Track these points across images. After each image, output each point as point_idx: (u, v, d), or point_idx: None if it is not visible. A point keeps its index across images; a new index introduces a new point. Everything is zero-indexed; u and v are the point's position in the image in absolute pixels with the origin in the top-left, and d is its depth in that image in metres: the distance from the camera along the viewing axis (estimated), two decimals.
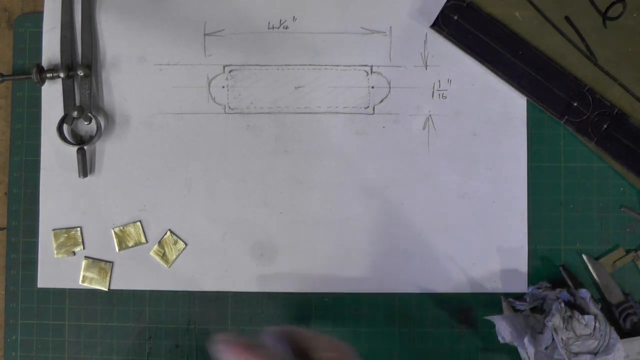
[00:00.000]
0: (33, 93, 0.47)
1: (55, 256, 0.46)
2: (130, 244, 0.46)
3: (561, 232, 0.46)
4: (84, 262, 0.46)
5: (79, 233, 0.46)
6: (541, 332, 0.42)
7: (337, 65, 0.46)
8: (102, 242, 0.46)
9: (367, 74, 0.46)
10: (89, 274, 0.46)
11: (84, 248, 0.46)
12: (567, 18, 0.45)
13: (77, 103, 0.46)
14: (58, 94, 0.46)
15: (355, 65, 0.46)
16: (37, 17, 0.47)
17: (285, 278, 0.46)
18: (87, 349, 0.46)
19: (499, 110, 0.46)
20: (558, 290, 0.44)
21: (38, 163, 0.46)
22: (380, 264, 0.46)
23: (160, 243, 0.46)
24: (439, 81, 0.46)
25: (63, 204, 0.46)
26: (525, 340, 0.42)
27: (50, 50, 0.47)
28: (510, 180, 0.46)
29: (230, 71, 0.47)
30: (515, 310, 0.44)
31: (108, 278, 0.46)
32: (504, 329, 0.42)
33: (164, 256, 0.46)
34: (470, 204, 0.46)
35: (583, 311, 0.42)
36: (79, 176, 0.45)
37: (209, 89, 0.47)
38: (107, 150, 0.46)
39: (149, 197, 0.46)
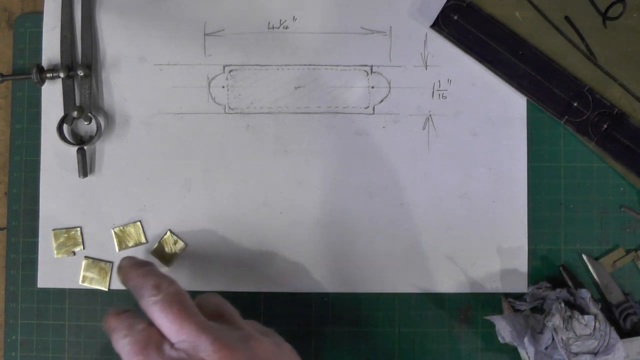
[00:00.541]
0: (33, 93, 0.47)
1: (55, 256, 0.46)
2: (130, 244, 0.46)
3: (561, 232, 0.46)
4: (84, 262, 0.46)
5: (79, 233, 0.46)
6: (541, 332, 0.42)
7: (337, 65, 0.47)
8: (102, 242, 0.46)
9: (367, 74, 0.46)
10: (89, 274, 0.46)
11: (84, 248, 0.46)
12: (567, 18, 0.45)
13: (77, 103, 0.46)
14: (58, 94, 0.46)
15: (355, 65, 0.46)
16: (37, 17, 0.47)
17: (285, 278, 0.46)
18: (87, 349, 0.46)
19: (499, 110, 0.46)
20: (558, 290, 0.44)
21: (38, 163, 0.46)
22: (380, 264, 0.46)
23: (160, 243, 0.46)
24: (439, 81, 0.46)
25: (63, 204, 0.46)
26: (525, 340, 0.42)
27: (50, 50, 0.47)
28: (510, 180, 0.46)
29: (230, 71, 0.47)
30: (515, 310, 0.44)
31: (108, 278, 0.46)
32: (504, 329, 0.42)
33: (164, 256, 0.46)
34: (470, 204, 0.46)
35: (583, 311, 0.42)
36: (79, 176, 0.45)
37: (209, 89, 0.47)
38: (107, 150, 0.46)
39: (149, 197, 0.46)
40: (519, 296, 0.45)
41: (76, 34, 0.46)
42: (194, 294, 0.46)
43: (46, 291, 0.46)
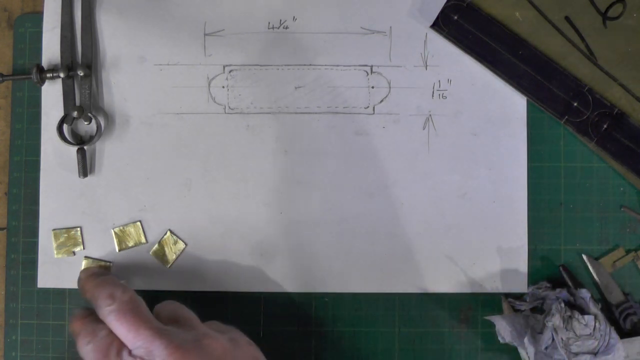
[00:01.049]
0: (33, 93, 0.47)
1: (55, 256, 0.46)
2: (130, 244, 0.46)
3: (561, 232, 0.46)
4: (84, 262, 0.46)
5: (79, 233, 0.46)
6: (541, 332, 0.42)
7: (337, 65, 0.47)
8: (102, 242, 0.46)
9: (367, 74, 0.46)
10: None
11: (84, 248, 0.46)
12: (567, 18, 0.45)
13: (77, 103, 0.46)
14: (58, 94, 0.46)
15: (355, 65, 0.46)
16: (37, 17, 0.47)
17: (285, 278, 0.46)
18: None
19: (499, 110, 0.46)
20: (558, 290, 0.44)
21: (38, 163, 0.46)
22: (380, 264, 0.46)
23: (160, 243, 0.46)
24: (439, 81, 0.46)
25: (63, 204, 0.46)
26: (525, 340, 0.42)
27: (50, 50, 0.47)
28: (510, 180, 0.46)
29: (230, 71, 0.47)
30: (515, 310, 0.44)
31: None
32: (504, 329, 0.42)
33: (164, 256, 0.46)
34: (470, 204, 0.46)
35: (583, 311, 0.42)
36: (79, 176, 0.45)
37: (209, 89, 0.47)
38: (107, 150, 0.46)
39: (149, 197, 0.46)
40: (519, 296, 0.45)
41: (76, 34, 0.46)
42: (194, 294, 0.46)
43: (46, 291, 0.46)
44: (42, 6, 0.47)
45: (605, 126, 0.45)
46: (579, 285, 0.45)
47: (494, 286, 0.46)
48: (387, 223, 0.46)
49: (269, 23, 0.47)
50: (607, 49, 0.45)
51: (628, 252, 0.46)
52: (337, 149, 0.46)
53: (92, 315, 0.39)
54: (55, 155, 0.46)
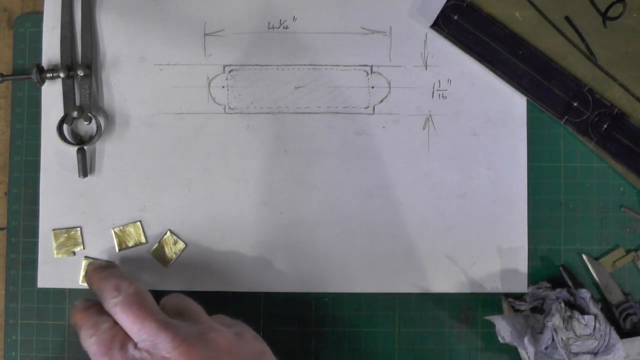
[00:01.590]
0: (33, 93, 0.47)
1: (55, 256, 0.46)
2: (130, 244, 0.46)
3: (561, 232, 0.46)
4: (84, 262, 0.46)
5: (79, 233, 0.46)
6: (541, 332, 0.42)
7: (337, 65, 0.47)
8: (102, 242, 0.46)
9: (367, 74, 0.46)
10: None
11: (84, 248, 0.46)
12: (567, 18, 0.45)
13: (77, 103, 0.46)
14: (58, 94, 0.46)
15: (355, 65, 0.46)
16: (37, 17, 0.47)
17: (285, 278, 0.46)
18: None
19: (499, 110, 0.46)
20: (558, 290, 0.44)
21: (38, 163, 0.46)
22: (380, 264, 0.46)
23: (160, 243, 0.46)
24: (439, 81, 0.46)
25: (63, 204, 0.46)
26: (525, 340, 0.42)
27: (50, 50, 0.47)
28: (510, 180, 0.46)
29: (230, 71, 0.47)
30: (515, 310, 0.44)
31: None
32: (504, 329, 0.42)
33: (164, 256, 0.46)
34: (470, 204, 0.46)
35: (583, 311, 0.42)
36: (79, 176, 0.45)
37: (209, 89, 0.47)
38: (107, 150, 0.46)
39: (149, 197, 0.46)
40: (519, 296, 0.45)
41: (76, 34, 0.46)
42: (194, 294, 0.46)
43: (46, 291, 0.46)
44: (42, 6, 0.47)
45: (605, 126, 0.45)
46: (579, 285, 0.45)
47: (494, 286, 0.46)
48: (387, 223, 0.46)
49: (269, 23, 0.47)
50: (607, 49, 0.45)
51: (628, 252, 0.46)
52: (337, 149, 0.46)
53: (94, 307, 0.38)
54: (55, 155, 0.46)
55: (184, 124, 0.46)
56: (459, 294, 0.46)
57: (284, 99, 0.46)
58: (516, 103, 0.46)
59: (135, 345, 0.36)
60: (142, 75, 0.47)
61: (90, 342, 0.36)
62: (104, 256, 0.46)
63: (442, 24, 0.46)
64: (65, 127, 0.46)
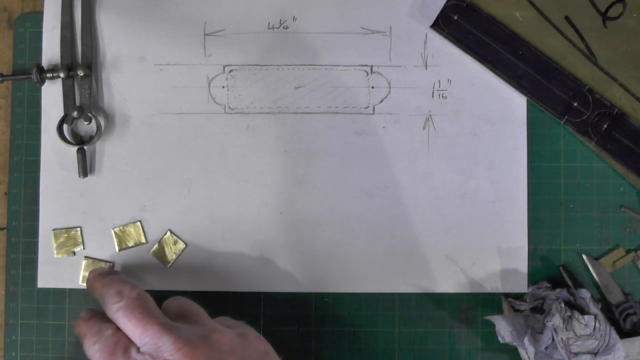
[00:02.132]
0: (33, 93, 0.47)
1: (55, 256, 0.46)
2: (130, 244, 0.46)
3: (561, 232, 0.46)
4: (84, 262, 0.46)
5: (79, 233, 0.46)
6: (541, 332, 0.42)
7: (337, 65, 0.47)
8: (102, 242, 0.46)
9: (367, 74, 0.46)
10: None
11: (84, 248, 0.46)
12: (567, 18, 0.45)
13: (77, 103, 0.46)
14: (58, 94, 0.46)
15: (355, 65, 0.46)
16: (37, 17, 0.47)
17: (285, 278, 0.46)
18: None
19: (499, 110, 0.46)
20: (558, 290, 0.44)
21: (38, 163, 0.46)
22: (380, 264, 0.46)
23: (160, 243, 0.46)
24: (439, 81, 0.46)
25: (63, 204, 0.46)
26: (525, 340, 0.42)
27: (50, 50, 0.47)
28: (510, 180, 0.46)
29: (230, 71, 0.47)
30: (515, 310, 0.44)
31: None
32: (504, 329, 0.42)
33: (164, 256, 0.46)
34: (470, 204, 0.46)
35: (583, 311, 0.42)
36: (79, 176, 0.45)
37: (209, 89, 0.47)
38: (107, 150, 0.46)
39: (149, 197, 0.46)
40: (519, 296, 0.45)
41: (76, 34, 0.46)
42: (194, 294, 0.46)
43: (46, 291, 0.46)
44: (42, 6, 0.47)
45: (605, 126, 0.45)
46: (579, 285, 0.45)
47: (494, 286, 0.46)
48: (387, 223, 0.46)
49: (269, 23, 0.47)
50: (607, 49, 0.45)
51: (628, 252, 0.46)
52: (337, 149, 0.46)
53: (97, 316, 0.39)
54: (55, 155, 0.46)
55: (184, 124, 0.46)
56: (459, 294, 0.46)
57: (284, 99, 0.46)
58: (516, 103, 0.46)
59: (138, 349, 0.36)
60: (142, 75, 0.47)
61: (94, 349, 0.36)
62: (104, 256, 0.46)
63: (442, 24, 0.46)
64: (65, 127, 0.46)
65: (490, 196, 0.46)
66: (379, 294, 0.46)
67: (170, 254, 0.46)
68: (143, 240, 0.46)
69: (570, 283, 0.45)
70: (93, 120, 0.45)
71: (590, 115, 0.45)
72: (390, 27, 0.47)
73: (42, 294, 0.46)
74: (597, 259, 0.46)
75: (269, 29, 0.47)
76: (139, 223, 0.46)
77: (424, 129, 0.46)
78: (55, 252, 0.46)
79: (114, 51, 0.47)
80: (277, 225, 0.46)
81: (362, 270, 0.46)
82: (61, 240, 0.46)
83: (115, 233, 0.46)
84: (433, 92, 0.46)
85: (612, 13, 0.45)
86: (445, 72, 0.46)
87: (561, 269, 0.46)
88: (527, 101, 0.46)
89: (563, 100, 0.45)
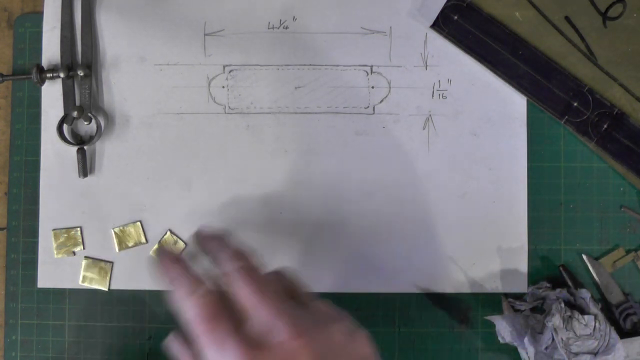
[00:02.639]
0: (33, 93, 0.47)
1: (55, 256, 0.46)
2: (130, 244, 0.46)
3: (561, 232, 0.46)
4: (84, 262, 0.46)
5: (79, 233, 0.46)
6: (541, 332, 0.42)
7: (337, 65, 0.47)
8: (102, 242, 0.46)
9: (367, 74, 0.46)
10: (89, 274, 0.46)
11: (84, 248, 0.46)
12: (567, 18, 0.45)
13: (77, 103, 0.46)
14: (58, 94, 0.46)
15: (355, 65, 0.46)
16: (37, 17, 0.47)
17: None
18: (87, 349, 0.46)
19: (499, 110, 0.46)
20: (558, 290, 0.44)
21: (38, 163, 0.46)
22: (380, 264, 0.46)
23: (160, 243, 0.46)
24: (439, 81, 0.46)
25: (63, 204, 0.46)
26: (525, 340, 0.42)
27: (50, 50, 0.47)
28: (510, 180, 0.46)
29: (230, 71, 0.47)
30: (515, 310, 0.44)
31: (108, 278, 0.46)
32: (504, 329, 0.42)
33: None
34: (470, 204, 0.46)
35: (583, 311, 0.42)
36: (79, 176, 0.45)
37: (209, 89, 0.47)
38: (107, 150, 0.46)
39: (149, 197, 0.46)
40: (519, 296, 0.45)
41: (76, 34, 0.46)
42: None
43: (46, 291, 0.46)
44: (42, 6, 0.47)
45: (605, 126, 0.45)
46: (579, 285, 0.45)
47: (494, 286, 0.45)
48: (387, 223, 0.46)
49: (269, 23, 0.47)
50: (607, 49, 0.45)
51: (628, 252, 0.46)
52: (337, 149, 0.46)
53: (187, 262, 0.33)
54: (55, 155, 0.46)
55: (184, 124, 0.46)
56: (459, 294, 0.46)
57: (284, 99, 0.46)
58: (516, 103, 0.46)
59: (245, 321, 0.30)
60: (142, 75, 0.47)
61: (192, 301, 0.31)
62: (104, 256, 0.46)
63: (442, 24, 0.46)
64: (65, 127, 0.46)
65: (490, 196, 0.46)
66: (379, 294, 0.46)
67: None
68: (143, 240, 0.46)
69: (570, 283, 0.45)
70: (93, 120, 0.45)
71: (590, 115, 0.45)
72: (390, 27, 0.47)
73: (42, 294, 0.46)
74: (597, 259, 0.46)
75: (269, 29, 0.47)
76: (139, 223, 0.46)
77: (424, 129, 0.46)
78: (55, 252, 0.46)
79: (114, 51, 0.47)
80: (277, 225, 0.46)
81: (362, 270, 0.46)
82: (61, 240, 0.46)
83: (115, 233, 0.46)
84: (433, 92, 0.46)
85: (612, 13, 0.45)
86: (445, 72, 0.46)
87: (561, 269, 0.46)
88: (527, 101, 0.46)
89: (563, 100, 0.45)
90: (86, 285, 0.46)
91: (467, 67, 0.46)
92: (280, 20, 0.47)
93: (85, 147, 0.46)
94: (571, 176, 0.46)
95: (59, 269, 0.46)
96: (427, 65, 0.46)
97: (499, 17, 0.46)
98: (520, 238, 0.46)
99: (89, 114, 0.45)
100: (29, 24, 0.47)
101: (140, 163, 0.46)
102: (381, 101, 0.46)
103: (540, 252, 0.46)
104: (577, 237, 0.46)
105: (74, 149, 0.45)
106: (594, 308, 0.42)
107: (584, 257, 0.46)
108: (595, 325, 0.41)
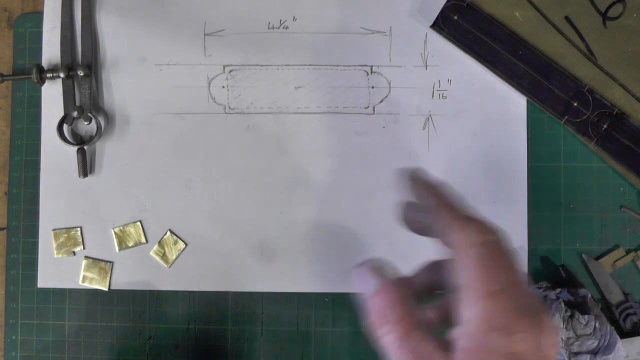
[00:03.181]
0: (33, 93, 0.47)
1: (55, 256, 0.46)
2: (130, 244, 0.46)
3: (561, 232, 0.46)
4: (84, 262, 0.46)
5: (79, 233, 0.46)
6: None
7: (337, 65, 0.46)
8: (102, 242, 0.46)
9: (367, 74, 0.46)
10: (89, 274, 0.46)
11: (84, 248, 0.46)
12: (567, 18, 0.45)
13: (77, 103, 0.46)
14: (58, 94, 0.46)
15: (355, 65, 0.46)
16: (37, 17, 0.47)
17: (285, 278, 0.46)
18: (87, 349, 0.46)
19: (499, 110, 0.46)
20: (558, 290, 0.44)
21: (38, 163, 0.46)
22: None
23: (160, 243, 0.46)
24: (439, 81, 0.46)
25: (63, 204, 0.46)
26: None
27: (50, 50, 0.47)
28: (510, 180, 0.46)
29: (230, 71, 0.47)
30: None
31: (108, 278, 0.46)
32: None
33: (164, 256, 0.46)
34: (470, 204, 0.46)
35: (583, 311, 0.42)
36: (79, 176, 0.45)
37: (209, 89, 0.47)
38: (107, 150, 0.46)
39: (149, 197, 0.46)
40: None
41: (76, 34, 0.46)
42: (194, 294, 0.46)
43: (46, 291, 0.46)
44: (42, 6, 0.47)
45: (605, 126, 0.45)
46: (579, 285, 0.45)
47: None
48: (387, 223, 0.46)
49: (269, 23, 0.47)
50: (607, 49, 0.45)
51: (628, 252, 0.46)
52: (337, 149, 0.46)
53: (396, 290, 0.26)
54: (55, 155, 0.46)
55: (184, 124, 0.46)
56: None
57: (284, 99, 0.46)
58: (516, 103, 0.46)
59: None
60: (142, 75, 0.47)
61: (390, 339, 0.25)
62: (104, 256, 0.46)
63: (442, 24, 0.46)
64: (65, 127, 0.46)
65: (490, 196, 0.46)
66: None
67: (170, 254, 0.46)
68: (143, 240, 0.46)
69: (570, 283, 0.45)
70: (93, 120, 0.45)
71: (590, 115, 0.45)
72: (390, 27, 0.47)
73: (42, 294, 0.46)
74: (597, 259, 0.46)
75: (269, 29, 0.47)
76: (139, 223, 0.46)
77: (424, 129, 0.46)
78: (55, 252, 0.46)
79: (114, 51, 0.47)
80: (277, 225, 0.46)
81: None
82: (61, 240, 0.46)
83: (115, 233, 0.46)
84: (433, 92, 0.46)
85: (612, 13, 0.45)
86: (445, 72, 0.46)
87: (561, 269, 0.46)
88: (527, 101, 0.46)
89: (563, 100, 0.45)
90: (86, 285, 0.46)
91: (467, 67, 0.46)
92: (280, 20, 0.47)
93: (85, 147, 0.46)
94: (571, 176, 0.46)
95: (59, 269, 0.46)
96: (427, 65, 0.46)
97: (499, 17, 0.46)
98: (520, 238, 0.46)
99: (89, 114, 0.45)
100: (29, 24, 0.47)
101: (140, 163, 0.46)
102: (381, 101, 0.46)
103: (540, 252, 0.46)
104: (577, 237, 0.46)
105: (74, 149, 0.45)
106: (594, 308, 0.42)
107: (584, 257, 0.46)
108: (595, 325, 0.41)
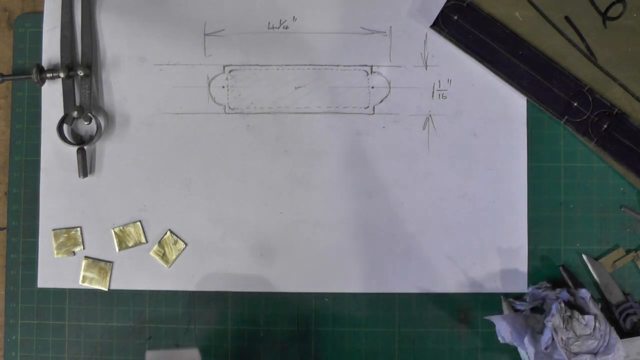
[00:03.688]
0: (33, 93, 0.47)
1: (55, 256, 0.46)
2: (130, 244, 0.46)
3: (561, 232, 0.46)
4: (84, 262, 0.46)
5: (79, 233, 0.46)
6: (541, 332, 0.42)
7: (337, 65, 0.46)
8: (102, 242, 0.46)
9: (367, 74, 0.46)
10: (89, 274, 0.46)
11: (84, 248, 0.46)
12: (567, 18, 0.45)
13: (77, 103, 0.46)
14: (58, 94, 0.46)
15: (355, 65, 0.46)
16: (37, 17, 0.47)
17: (285, 278, 0.46)
18: (87, 349, 0.46)
19: (499, 110, 0.46)
20: (558, 290, 0.44)
21: (38, 163, 0.46)
22: (380, 264, 0.46)
23: (160, 243, 0.46)
24: (439, 81, 0.46)
25: (63, 204, 0.46)
26: (525, 340, 0.42)
27: (50, 50, 0.47)
28: (510, 180, 0.46)
29: (230, 71, 0.47)
30: (515, 310, 0.44)
31: (108, 278, 0.46)
32: (504, 329, 0.42)
33: (164, 256, 0.46)
34: (470, 204, 0.46)
35: (583, 311, 0.42)
36: (79, 176, 0.45)
37: (209, 89, 0.47)
38: (107, 150, 0.46)
39: (149, 197, 0.46)
40: (519, 296, 0.45)
41: (76, 34, 0.46)
42: (194, 294, 0.46)
43: (46, 291, 0.46)
44: (42, 6, 0.47)
45: (605, 126, 0.45)
46: (579, 285, 0.45)
47: (494, 286, 0.45)
48: (387, 223, 0.46)
49: (269, 23, 0.47)
50: (607, 49, 0.45)
51: (628, 252, 0.46)
52: (337, 149, 0.46)
53: None
54: (55, 155, 0.46)
55: (184, 124, 0.46)
56: (459, 294, 0.46)
57: (284, 99, 0.46)
58: (516, 103, 0.46)
59: None
60: (142, 75, 0.47)
61: None
62: (104, 256, 0.46)
63: (442, 24, 0.46)
64: (65, 127, 0.46)
65: (490, 196, 0.46)
66: (379, 294, 0.46)
67: (170, 254, 0.46)
68: (143, 240, 0.46)
69: (570, 283, 0.45)
70: (93, 120, 0.45)
71: (590, 115, 0.45)
72: (390, 27, 0.47)
73: (42, 294, 0.46)
74: (597, 259, 0.46)
75: (269, 29, 0.47)
76: (139, 223, 0.46)
77: (424, 129, 0.46)
78: (55, 252, 0.46)
79: (114, 51, 0.47)
80: (277, 225, 0.46)
81: (362, 270, 0.46)
82: (61, 240, 0.46)
83: (115, 233, 0.46)
84: (433, 92, 0.46)
85: (612, 13, 0.45)
86: (445, 72, 0.46)
87: (561, 269, 0.46)
88: (527, 101, 0.46)
89: (563, 100, 0.45)
90: (86, 285, 0.46)
91: (467, 67, 0.46)
92: (280, 20, 0.47)
93: (85, 147, 0.46)
94: (571, 176, 0.46)
95: (59, 269, 0.46)
96: (427, 65, 0.46)
97: (499, 17, 0.46)
98: (520, 238, 0.46)
99: (89, 114, 0.45)
100: (29, 24, 0.47)
101: (140, 163, 0.46)
102: (381, 101, 0.46)
103: (540, 252, 0.46)
104: (577, 237, 0.46)
105: (74, 149, 0.45)
106: (594, 308, 0.42)
107: (584, 257, 0.46)
108: (595, 325, 0.41)
